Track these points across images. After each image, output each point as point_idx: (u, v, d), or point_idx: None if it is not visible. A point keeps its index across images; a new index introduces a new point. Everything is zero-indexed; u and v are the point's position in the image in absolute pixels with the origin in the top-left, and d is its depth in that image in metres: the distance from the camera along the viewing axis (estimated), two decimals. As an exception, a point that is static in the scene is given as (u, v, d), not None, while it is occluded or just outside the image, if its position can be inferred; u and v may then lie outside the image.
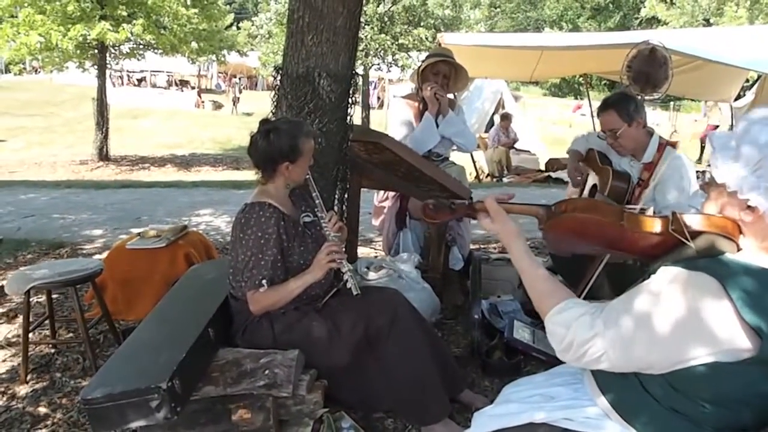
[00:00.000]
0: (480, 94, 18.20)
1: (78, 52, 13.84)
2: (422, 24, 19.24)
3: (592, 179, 4.05)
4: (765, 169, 1.45)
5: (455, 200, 1.90)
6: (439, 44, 10.75)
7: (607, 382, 1.70)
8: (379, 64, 20.72)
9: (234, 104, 30.13)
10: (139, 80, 35.35)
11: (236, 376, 2.70)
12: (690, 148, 16.36)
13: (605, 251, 1.78)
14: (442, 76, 4.44)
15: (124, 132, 20.95)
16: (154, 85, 34.81)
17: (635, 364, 1.53)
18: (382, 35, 18.49)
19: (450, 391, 2.94)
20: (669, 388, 1.53)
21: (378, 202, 4.69)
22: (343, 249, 2.88)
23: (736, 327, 1.39)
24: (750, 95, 13.13)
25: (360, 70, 20.18)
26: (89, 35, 13.15)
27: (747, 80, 13.67)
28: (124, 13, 13.68)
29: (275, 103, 3.49)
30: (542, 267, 1.76)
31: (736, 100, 13.10)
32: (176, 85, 35.54)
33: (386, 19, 19.09)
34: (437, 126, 4.43)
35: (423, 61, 4.58)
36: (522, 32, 35.40)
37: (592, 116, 13.28)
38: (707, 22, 20.24)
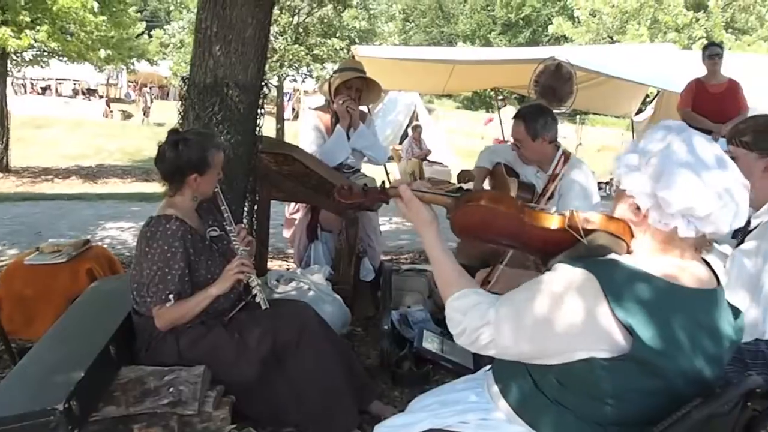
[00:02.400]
0: (394, 106, 18.42)
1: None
2: (337, 35, 19.30)
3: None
4: (651, 171, 1.52)
5: (367, 185, 1.93)
6: (353, 56, 10.81)
7: (503, 378, 1.77)
8: (293, 76, 20.63)
9: (144, 114, 29.29)
10: (44, 89, 33.88)
11: (139, 394, 2.62)
12: (598, 159, 16.97)
13: (506, 244, 1.83)
14: (354, 90, 4.45)
15: (26, 142, 20.01)
16: (59, 94, 33.44)
17: (519, 353, 1.59)
18: (297, 46, 18.43)
19: (359, 403, 2.95)
20: (555, 382, 1.60)
21: (289, 214, 4.66)
22: (252, 262, 2.85)
23: (611, 325, 1.46)
24: (650, 110, 13.76)
25: (274, 81, 20.05)
26: (-12, 41, 12.52)
27: (647, 95, 14.33)
28: (27, 19, 13.08)
29: (182, 114, 3.43)
30: (451, 255, 1.80)
31: (636, 114, 13.73)
32: (83, 94, 34.27)
33: (301, 30, 19.04)
34: (348, 139, 4.45)
35: (334, 74, 4.59)
36: (435, 46, 36.06)
37: (502, 130, 13.65)
38: (611, 40, 21.15)
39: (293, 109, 31.35)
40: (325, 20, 19.08)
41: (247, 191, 3.56)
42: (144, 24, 34.86)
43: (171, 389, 2.63)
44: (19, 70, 15.75)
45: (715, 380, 1.60)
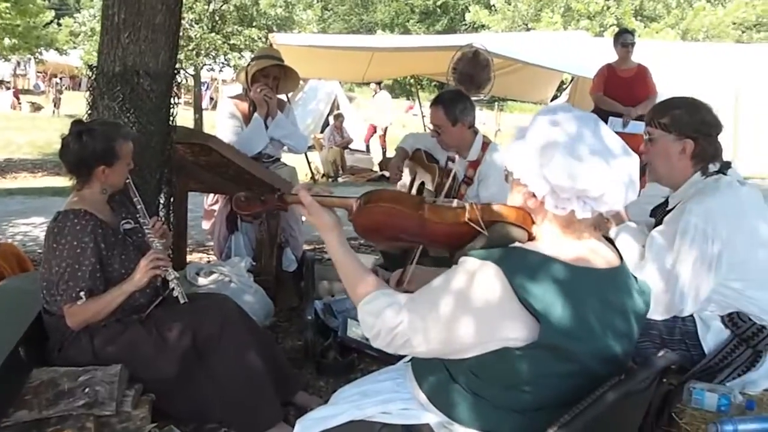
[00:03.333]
0: (315, 95, 18.28)
1: None
2: (254, 24, 18.95)
3: (420, 177, 4.17)
4: (543, 157, 1.54)
5: (265, 193, 1.90)
6: (271, 45, 10.66)
7: (421, 372, 1.77)
8: (210, 65, 20.15)
9: (55, 106, 28.07)
10: None
11: (53, 397, 2.52)
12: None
13: (411, 242, 1.84)
14: (271, 78, 4.38)
15: None
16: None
17: (434, 350, 1.59)
18: (213, 34, 18.01)
19: (284, 395, 2.91)
20: (471, 375, 1.60)
21: (208, 205, 4.56)
22: (169, 255, 2.76)
23: (520, 314, 1.48)
24: (565, 95, 14.13)
25: (191, 70, 19.54)
26: None
27: (563, 82, 14.72)
28: None
29: (91, 104, 3.29)
30: (357, 258, 1.79)
31: (552, 100, 14.08)
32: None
33: (217, 18, 18.59)
34: (267, 128, 4.38)
35: (251, 62, 4.50)
36: (355, 34, 35.92)
37: (423, 117, 13.75)
38: (527, 27, 21.63)
39: (211, 98, 30.67)
40: (242, 8, 18.70)
41: (162, 182, 3.45)
42: (52, 12, 33.51)
43: (86, 390, 2.54)
44: None
45: (627, 356, 1.65)
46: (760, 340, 2.37)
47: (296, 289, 4.39)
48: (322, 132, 15.58)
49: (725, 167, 2.49)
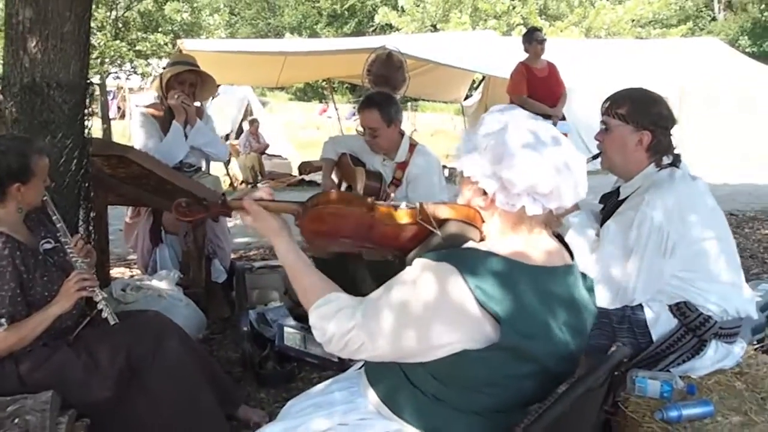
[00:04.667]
0: (228, 100, 17.96)
1: None
2: (160, 30, 18.44)
3: (347, 181, 4.14)
4: (491, 154, 1.55)
5: (208, 198, 1.83)
6: (180, 51, 10.39)
7: (376, 378, 1.74)
8: (116, 72, 19.48)
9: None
10: None
11: (-21, 431, 2.36)
12: (433, 142, 17.49)
13: (360, 246, 1.81)
14: (187, 84, 4.27)
15: None
16: None
17: (391, 354, 1.57)
18: (117, 42, 17.42)
19: (226, 409, 2.83)
20: (429, 377, 1.59)
21: (129, 218, 4.39)
22: (94, 274, 2.63)
23: (477, 314, 1.47)
24: (477, 95, 14.41)
25: (96, 79, 18.83)
26: None
27: (474, 81, 14.99)
28: None
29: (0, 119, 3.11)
30: (307, 262, 1.75)
31: (465, 99, 14.34)
32: None
33: (120, 24, 18.00)
34: (186, 136, 4.26)
35: (165, 69, 4.37)
36: (263, 38, 35.49)
37: (339, 119, 13.71)
38: (434, 28, 21.87)
39: (119, 107, 29.69)
40: (146, 14, 18.17)
41: (80, 197, 3.28)
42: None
43: (16, 420, 2.38)
44: None
45: (580, 353, 1.68)
46: (706, 330, 2.44)
47: (227, 300, 4.29)
48: (237, 138, 15.31)
49: (677, 160, 2.54)
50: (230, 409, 2.87)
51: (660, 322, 2.49)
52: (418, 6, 22.32)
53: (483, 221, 1.65)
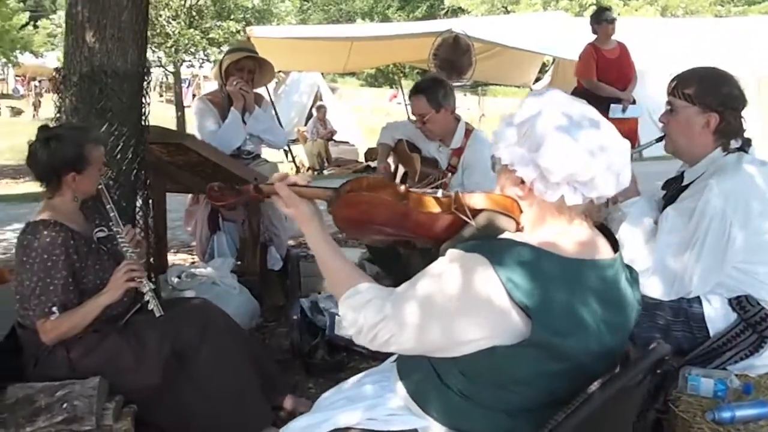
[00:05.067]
0: (297, 87, 18.15)
1: None
2: (232, 17, 18.76)
3: (404, 167, 4.10)
4: (529, 141, 1.47)
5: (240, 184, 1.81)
6: (248, 38, 10.52)
7: (406, 372, 1.69)
8: (190, 61, 19.97)
9: (35, 109, 27.70)
10: None
11: (29, 414, 2.41)
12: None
13: (395, 235, 1.74)
14: (246, 71, 4.27)
15: None
16: None
17: (417, 347, 1.51)
18: (191, 30, 17.81)
19: (272, 399, 2.83)
20: (459, 375, 1.53)
21: (189, 205, 4.45)
22: (143, 264, 2.65)
23: (508, 308, 1.39)
24: (547, 78, 14.06)
25: (171, 67, 19.34)
26: None
27: (544, 63, 14.65)
28: None
29: (59, 108, 3.17)
30: (338, 250, 1.71)
31: (535, 83, 14.02)
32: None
33: (194, 13, 18.40)
34: (245, 123, 4.28)
35: (224, 56, 4.39)
36: (335, 24, 35.64)
37: (406, 105, 13.64)
38: (506, 10, 21.44)
39: (194, 95, 30.44)
40: (219, 2, 18.51)
41: (137, 185, 3.33)
42: (27, 14, 33.01)
43: (65, 405, 2.44)
44: None
45: (621, 349, 1.58)
46: (767, 326, 2.29)
47: (282, 288, 4.30)
48: (305, 125, 15.45)
49: (746, 145, 2.39)
50: (276, 399, 2.87)
51: (718, 317, 2.36)
52: (488, -13, 21.97)
53: (521, 211, 1.56)
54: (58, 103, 3.19)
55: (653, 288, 2.37)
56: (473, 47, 9.69)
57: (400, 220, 1.63)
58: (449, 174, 3.84)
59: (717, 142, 2.37)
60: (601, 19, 6.94)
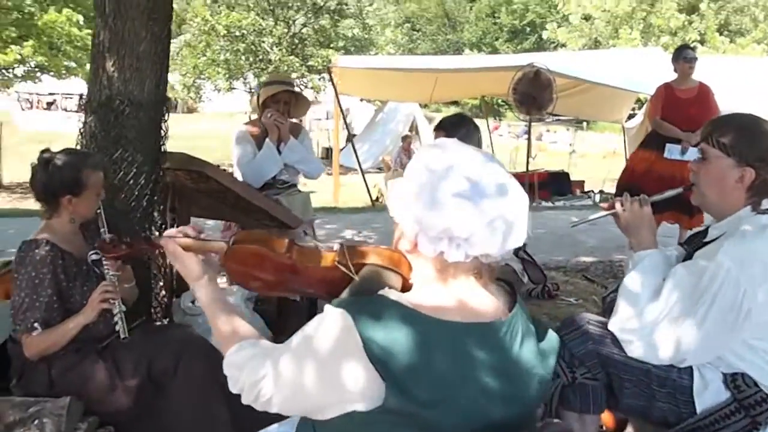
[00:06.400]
0: (394, 116, 18.40)
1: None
2: (332, 45, 19.28)
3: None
4: (414, 194, 1.40)
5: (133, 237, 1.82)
6: (331, 68, 10.74)
7: (299, 428, 1.62)
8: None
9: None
10: (49, 104, 34.03)
11: (3, 428, 2.51)
12: (598, 167, 16.64)
13: (292, 290, 1.71)
14: (282, 103, 4.36)
15: (28, 157, 19.99)
16: (64, 109, 33.54)
17: (296, 407, 1.46)
18: (292, 57, 18.42)
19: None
20: None
21: (221, 231, 4.56)
22: (117, 287, 2.70)
23: (366, 370, 1.31)
24: (641, 115, 13.55)
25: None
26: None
27: (639, 100, 14.13)
28: (14, 35, 13.13)
29: (81, 132, 3.32)
30: (229, 309, 1.67)
31: (628, 119, 13.54)
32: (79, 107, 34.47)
33: (296, 41, 19.03)
34: (280, 153, 4.34)
35: (261, 89, 4.50)
36: (442, 54, 35.94)
37: (509, 137, 13.46)
38: (602, 45, 20.81)
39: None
40: (320, 30, 19.07)
41: (152, 210, 3.43)
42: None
43: (36, 422, 2.52)
44: (8, 87, 15.76)
45: (517, 420, 1.45)
46: (762, 411, 2.07)
47: (298, 320, 4.28)
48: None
49: None
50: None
51: (708, 392, 2.13)
52: (587, 21, 21.35)
53: (410, 267, 1.49)
54: (80, 129, 3.33)
55: (644, 349, 2.17)
56: (555, 82, 9.50)
57: (288, 274, 1.62)
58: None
59: (749, 200, 2.16)
60: (680, 57, 6.65)
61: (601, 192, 12.74)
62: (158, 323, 3.47)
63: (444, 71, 11.39)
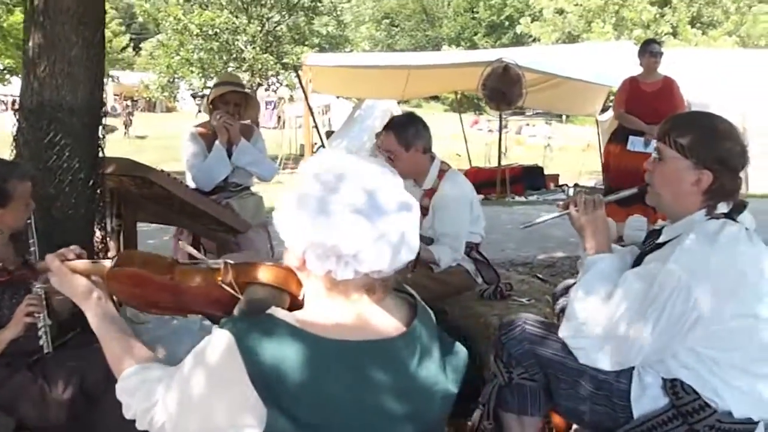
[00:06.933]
0: (372, 112, 18.32)
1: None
2: (306, 43, 19.20)
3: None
4: (298, 210, 1.34)
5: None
6: (301, 66, 10.69)
7: None
8: (267, 85, 20.52)
9: (126, 127, 29.14)
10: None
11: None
12: (584, 157, 16.61)
13: (182, 310, 1.65)
14: (232, 105, 4.29)
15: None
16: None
17: None
18: (266, 55, 18.32)
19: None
20: None
21: (174, 235, 4.49)
22: (42, 302, 2.63)
23: (248, 392, 1.26)
24: (611, 110, 13.59)
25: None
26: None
27: (610, 94, 14.14)
28: (-20, 37, 12.98)
29: (15, 139, 3.24)
30: (121, 329, 1.62)
31: (602, 112, 13.57)
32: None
33: (271, 38, 18.93)
34: (230, 155, 4.28)
35: (211, 90, 4.43)
36: (421, 50, 35.89)
37: (488, 132, 13.43)
38: (570, 38, 20.79)
39: (279, 117, 31.27)
40: (294, 28, 18.98)
41: (92, 217, 3.36)
42: (128, 36, 34.62)
43: (-38, 439, 2.46)
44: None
45: None
46: (700, 419, 2.01)
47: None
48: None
49: (736, 211, 2.08)
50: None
51: (646, 397, 2.09)
52: (560, 15, 21.36)
53: (299, 284, 1.45)
54: (14, 136, 3.25)
55: (594, 357, 2.13)
56: (524, 77, 9.48)
57: (172, 294, 1.57)
58: (421, 216, 3.68)
59: (704, 203, 2.08)
60: (645, 51, 6.72)
61: (575, 185, 12.73)
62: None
63: (414, 68, 11.37)
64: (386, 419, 1.33)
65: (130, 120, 29.38)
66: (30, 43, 3.12)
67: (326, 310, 1.36)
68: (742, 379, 2.01)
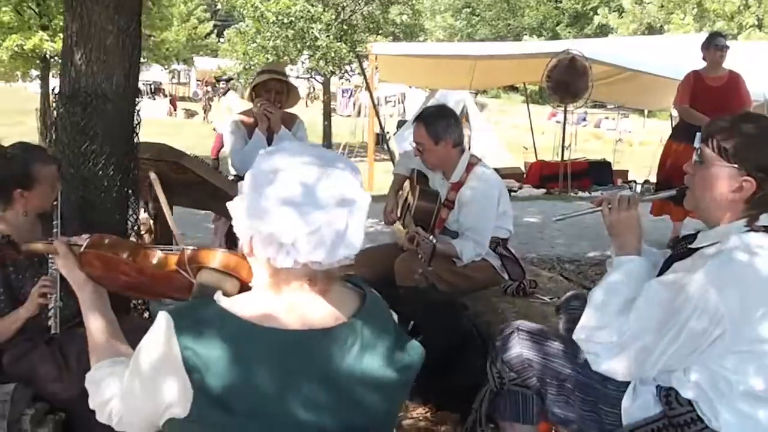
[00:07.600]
0: (444, 101, 18.17)
1: (17, 62, 13.67)
2: (381, 32, 19.25)
3: (409, 198, 3.98)
4: (245, 198, 1.38)
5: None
6: (367, 55, 10.71)
7: None
8: (341, 73, 20.70)
9: (205, 112, 29.94)
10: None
11: (-48, 412, 2.59)
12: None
13: (155, 294, 1.72)
14: (273, 93, 4.37)
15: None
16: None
17: (135, 422, 1.44)
18: (339, 43, 18.48)
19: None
20: None
21: (212, 221, 4.61)
22: (56, 283, 2.75)
23: (182, 378, 1.29)
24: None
25: (319, 78, 20.15)
26: (25, 45, 12.99)
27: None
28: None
29: (53, 125, 3.39)
30: (106, 320, 1.68)
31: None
32: (149, 93, 35.35)
33: (345, 27, 19.07)
34: (269, 143, 4.35)
35: (254, 78, 4.51)
36: (501, 40, 35.35)
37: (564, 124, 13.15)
38: (651, 29, 19.99)
39: (354, 104, 31.49)
40: (369, 17, 19.05)
41: (124, 201, 3.48)
42: (211, 24, 35.54)
43: (-19, 408, 2.60)
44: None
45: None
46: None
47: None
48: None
49: None
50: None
51: (637, 405, 2.02)
52: (639, 5, 20.51)
53: (250, 270, 1.47)
54: (52, 122, 3.40)
55: (609, 365, 2.01)
56: (591, 70, 9.23)
57: (137, 277, 1.64)
58: (446, 209, 3.66)
59: (745, 213, 1.95)
60: (710, 45, 6.45)
61: (645, 182, 12.33)
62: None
63: (479, 58, 11.22)
64: (314, 411, 1.33)
65: (210, 105, 30.21)
66: (68, 32, 3.24)
67: (266, 299, 1.38)
68: (747, 402, 1.90)
